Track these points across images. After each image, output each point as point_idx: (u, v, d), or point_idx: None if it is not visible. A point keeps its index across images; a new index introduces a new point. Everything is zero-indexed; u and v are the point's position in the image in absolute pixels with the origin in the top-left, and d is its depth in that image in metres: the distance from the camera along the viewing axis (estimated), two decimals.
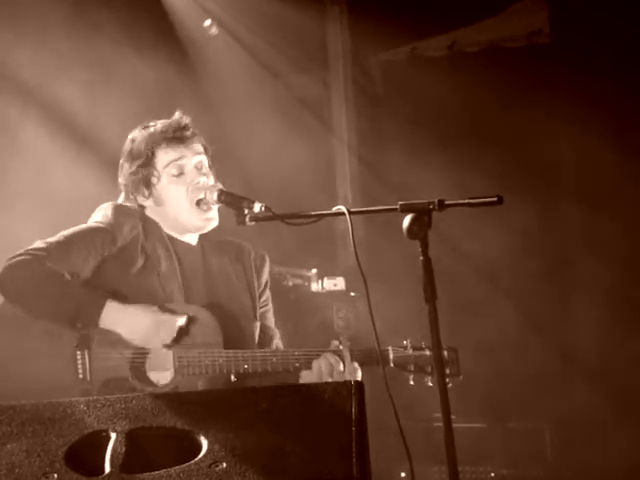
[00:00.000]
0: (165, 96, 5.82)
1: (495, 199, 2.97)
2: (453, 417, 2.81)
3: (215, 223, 3.78)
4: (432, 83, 6.81)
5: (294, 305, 6.07)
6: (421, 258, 2.87)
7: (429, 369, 3.71)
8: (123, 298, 3.58)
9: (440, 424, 2.79)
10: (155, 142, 3.76)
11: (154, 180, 3.76)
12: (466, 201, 3.00)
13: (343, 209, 3.28)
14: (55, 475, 2.51)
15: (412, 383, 3.72)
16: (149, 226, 3.75)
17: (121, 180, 3.83)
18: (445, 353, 3.65)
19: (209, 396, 2.86)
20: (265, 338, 3.90)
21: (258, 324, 3.87)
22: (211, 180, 3.79)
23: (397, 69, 7.23)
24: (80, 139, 5.99)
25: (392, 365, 3.72)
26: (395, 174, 6.91)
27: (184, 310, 3.63)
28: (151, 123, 3.83)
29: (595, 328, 6.35)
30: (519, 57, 6.83)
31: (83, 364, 3.54)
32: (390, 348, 3.74)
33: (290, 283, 6.16)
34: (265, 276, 3.95)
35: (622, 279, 6.34)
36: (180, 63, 6.51)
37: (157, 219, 3.79)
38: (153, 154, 3.76)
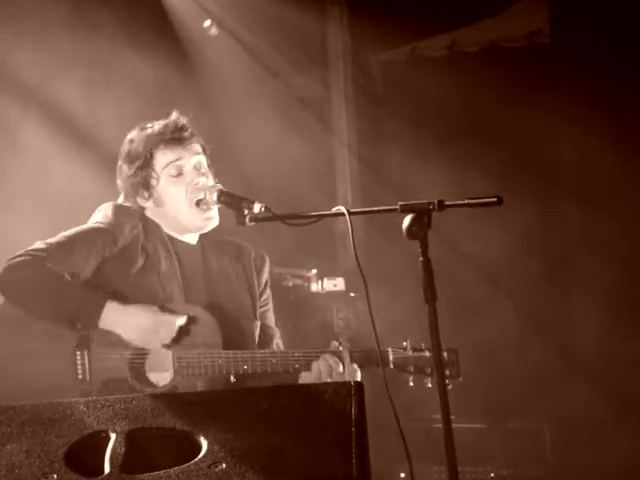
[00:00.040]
0: (165, 96, 5.82)
1: (495, 199, 2.97)
2: (453, 417, 2.81)
3: (215, 222, 3.78)
4: (432, 83, 6.81)
5: (294, 305, 6.06)
6: (421, 259, 2.87)
7: (429, 370, 3.71)
8: (123, 298, 3.58)
9: (440, 425, 2.79)
10: (153, 144, 3.76)
11: (153, 182, 3.76)
12: (466, 201, 3.00)
13: (343, 209, 3.28)
14: (55, 475, 2.51)
15: (412, 384, 3.72)
16: (149, 226, 3.76)
17: (120, 182, 3.83)
18: (445, 355, 3.65)
19: (209, 397, 2.86)
20: (265, 337, 3.90)
21: (258, 323, 3.87)
22: (210, 180, 3.79)
23: (397, 69, 7.23)
24: (80, 139, 5.99)
25: (392, 366, 3.72)
26: (395, 174, 6.91)
27: (184, 310, 3.63)
28: (148, 124, 3.82)
29: (595, 328, 6.34)
30: (519, 57, 6.83)
31: (83, 364, 3.54)
32: (390, 349, 3.74)
33: (290, 283, 6.16)
34: (265, 276, 3.95)
35: (622, 279, 6.34)
36: (180, 63, 6.51)
37: (157, 220, 3.79)
38: (151, 156, 3.75)
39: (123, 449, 2.55)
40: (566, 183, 6.67)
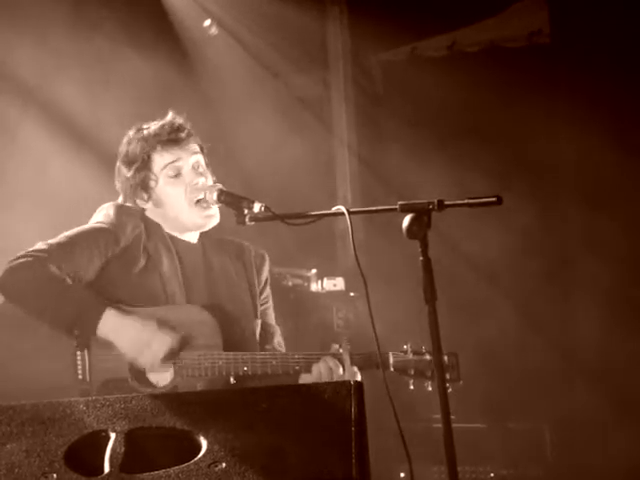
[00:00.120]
0: (165, 96, 5.82)
1: (494, 199, 2.96)
2: (453, 417, 2.81)
3: (216, 220, 3.78)
4: (432, 83, 6.81)
5: (294, 305, 6.06)
6: (421, 258, 2.87)
7: (429, 374, 3.70)
8: (125, 298, 3.59)
9: (440, 425, 2.79)
10: (150, 145, 3.75)
11: (152, 183, 3.76)
12: (465, 201, 3.00)
13: (343, 209, 3.28)
14: (54, 475, 2.51)
15: (412, 387, 3.72)
16: (151, 226, 3.75)
17: (118, 184, 3.83)
18: (445, 358, 3.63)
19: (209, 396, 2.86)
20: (266, 336, 3.90)
21: (259, 322, 3.87)
22: (209, 180, 3.79)
23: (397, 69, 7.24)
24: (80, 139, 5.99)
25: (392, 369, 3.71)
26: (395, 174, 6.91)
27: (185, 312, 3.64)
28: (144, 125, 3.82)
29: (595, 328, 6.34)
30: (519, 57, 6.83)
31: (83, 365, 3.54)
32: (390, 353, 3.73)
33: (290, 283, 6.16)
34: (265, 274, 3.95)
35: (622, 279, 6.34)
36: (180, 63, 6.52)
37: (158, 220, 3.78)
38: (149, 158, 3.75)
39: (123, 449, 2.55)
40: (566, 183, 6.67)
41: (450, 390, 3.32)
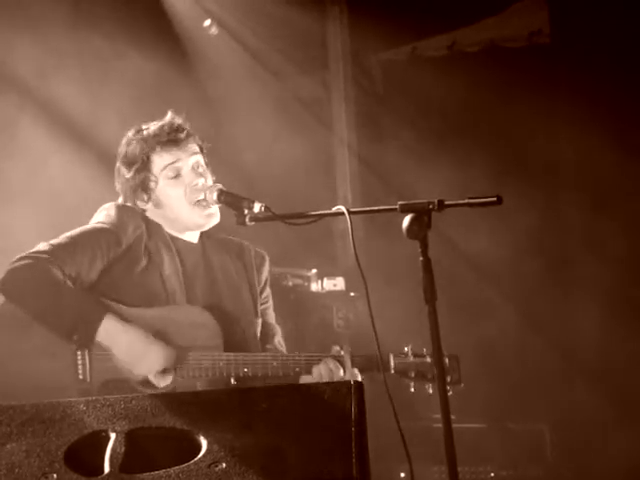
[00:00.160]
0: (165, 95, 5.82)
1: (494, 199, 2.97)
2: (453, 417, 2.81)
3: (217, 219, 3.78)
4: (432, 83, 6.81)
5: (294, 305, 6.06)
6: (421, 258, 2.87)
7: (430, 376, 3.70)
8: (126, 298, 3.59)
9: (440, 425, 2.79)
10: (149, 146, 3.74)
11: (152, 184, 3.75)
12: (465, 201, 3.00)
13: (343, 209, 3.28)
14: (54, 475, 2.51)
15: (413, 390, 3.72)
16: (152, 226, 3.75)
17: (118, 185, 3.82)
18: (446, 361, 3.63)
19: (209, 396, 2.86)
20: (267, 335, 3.90)
21: (259, 321, 3.87)
22: (209, 180, 3.78)
23: (397, 69, 7.23)
24: (80, 138, 5.99)
25: (393, 372, 3.71)
26: (395, 174, 6.91)
27: (186, 313, 3.64)
28: (144, 126, 3.81)
29: (595, 328, 6.34)
30: (519, 57, 6.83)
31: (83, 365, 3.54)
32: (391, 355, 3.73)
33: (290, 283, 6.16)
34: (265, 274, 3.95)
35: (622, 279, 6.34)
36: (180, 62, 6.51)
37: (158, 221, 3.78)
38: (148, 159, 3.74)
39: (123, 449, 2.55)
40: (566, 183, 6.67)
41: (451, 393, 3.32)
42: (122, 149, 3.81)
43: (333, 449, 2.48)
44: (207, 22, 6.85)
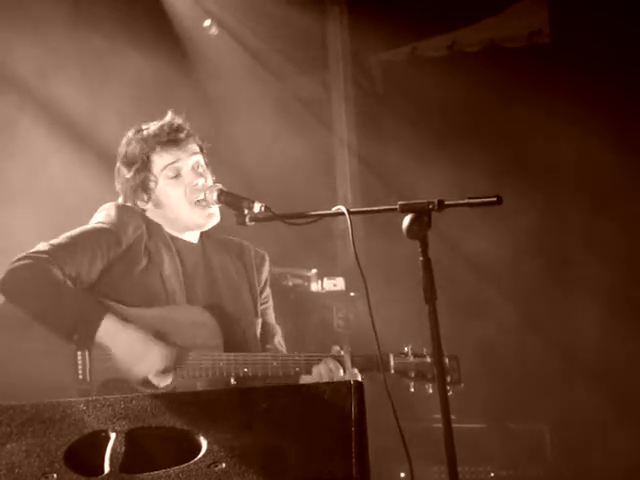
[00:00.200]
0: (165, 95, 5.82)
1: (494, 199, 2.97)
2: (453, 417, 2.81)
3: (217, 219, 3.78)
4: (432, 83, 6.81)
5: (294, 305, 6.06)
6: (421, 258, 2.87)
7: (430, 376, 3.70)
8: (126, 298, 3.59)
9: (440, 425, 2.79)
10: (149, 146, 3.74)
11: (152, 184, 3.76)
12: (465, 201, 3.00)
13: (343, 209, 3.28)
14: (55, 475, 2.51)
15: (413, 390, 3.72)
16: (152, 226, 3.75)
17: (118, 185, 3.83)
18: (446, 361, 3.63)
19: (209, 396, 2.86)
20: (267, 335, 3.90)
21: (259, 321, 3.87)
22: (209, 180, 3.78)
23: (397, 69, 7.24)
24: (80, 138, 5.99)
25: (393, 372, 3.71)
26: (395, 174, 6.91)
27: (186, 313, 3.64)
28: (144, 126, 3.81)
29: (595, 328, 6.34)
30: (519, 57, 6.83)
31: (83, 365, 3.54)
32: (391, 355, 3.73)
33: (290, 283, 6.15)
34: (265, 274, 3.96)
35: (622, 279, 6.35)
36: (180, 62, 6.51)
37: (158, 220, 3.78)
38: (148, 159, 3.74)
39: (123, 449, 2.55)
40: (566, 183, 6.67)
41: (450, 393, 3.32)
42: (122, 149, 3.81)
43: (333, 449, 2.48)
44: (207, 22, 6.86)
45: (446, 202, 2.96)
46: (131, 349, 3.51)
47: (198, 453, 2.51)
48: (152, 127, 3.79)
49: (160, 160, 3.75)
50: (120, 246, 3.66)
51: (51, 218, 5.19)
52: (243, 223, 3.54)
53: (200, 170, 3.78)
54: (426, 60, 7.10)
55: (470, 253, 6.70)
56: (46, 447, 2.57)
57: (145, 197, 3.77)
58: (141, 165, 3.74)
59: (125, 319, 3.54)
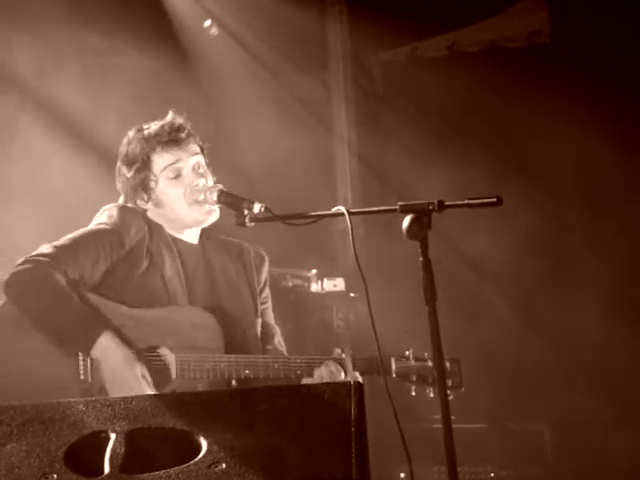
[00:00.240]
0: (165, 95, 5.82)
1: (494, 200, 2.97)
2: (453, 418, 2.81)
3: (216, 216, 3.77)
4: (432, 83, 6.81)
5: (294, 306, 6.06)
6: (421, 259, 2.87)
7: (431, 380, 3.70)
8: (127, 300, 3.59)
9: (440, 425, 2.79)
10: (150, 146, 3.74)
11: (152, 184, 3.75)
12: (465, 202, 3.00)
13: (342, 210, 3.28)
14: (54, 475, 2.50)
15: (414, 394, 3.72)
16: (153, 227, 3.75)
17: (119, 184, 3.83)
18: (447, 364, 3.63)
19: (209, 397, 2.85)
20: (267, 336, 3.90)
21: (259, 321, 3.87)
22: (210, 181, 3.78)
23: (397, 69, 7.23)
24: (80, 138, 5.99)
25: (394, 375, 3.71)
26: (395, 174, 6.91)
27: (187, 314, 3.64)
28: (145, 126, 3.81)
29: (595, 328, 6.34)
30: (519, 57, 6.83)
31: (85, 365, 3.54)
32: (393, 358, 3.73)
33: (290, 284, 6.15)
34: (264, 274, 3.95)
35: (622, 279, 6.35)
36: (180, 62, 6.51)
37: (159, 221, 3.78)
38: (149, 158, 3.74)
39: (123, 449, 2.55)
40: (566, 183, 6.67)
41: (451, 397, 3.32)
42: (123, 148, 3.81)
43: (333, 449, 2.48)
44: (207, 22, 6.86)
45: (446, 203, 2.96)
46: (114, 374, 3.49)
47: (198, 453, 2.51)
48: (153, 127, 3.79)
49: (161, 160, 3.75)
50: (123, 247, 3.65)
51: (51, 218, 5.19)
52: (243, 224, 3.54)
53: (201, 171, 3.77)
54: (426, 60, 7.10)
55: (470, 253, 6.70)
56: (46, 447, 2.57)
57: (145, 197, 3.77)
58: (141, 165, 3.74)
59: (122, 336, 3.53)
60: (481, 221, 6.19)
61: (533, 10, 6.90)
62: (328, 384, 3.04)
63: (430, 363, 3.71)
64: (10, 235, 5.16)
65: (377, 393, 3.21)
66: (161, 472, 2.48)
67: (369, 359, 3.66)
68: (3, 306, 3.58)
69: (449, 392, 2.92)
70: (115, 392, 3.48)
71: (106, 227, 3.68)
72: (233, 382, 3.61)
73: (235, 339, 3.69)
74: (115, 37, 6.04)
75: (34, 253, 3.57)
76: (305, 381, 3.66)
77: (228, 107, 6.87)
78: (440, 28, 7.00)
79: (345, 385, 2.60)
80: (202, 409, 2.64)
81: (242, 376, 3.60)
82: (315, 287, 6.22)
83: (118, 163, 3.82)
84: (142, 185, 3.75)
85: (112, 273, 3.64)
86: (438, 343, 2.84)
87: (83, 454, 2.56)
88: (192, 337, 3.60)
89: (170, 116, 3.82)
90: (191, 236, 3.83)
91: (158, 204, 3.77)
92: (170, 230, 3.78)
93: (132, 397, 2.71)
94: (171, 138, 3.75)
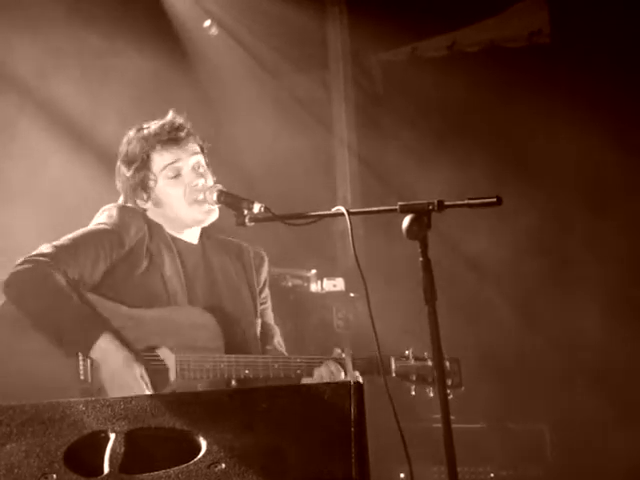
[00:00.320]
0: (165, 95, 5.82)
1: (494, 200, 2.97)
2: (453, 417, 2.81)
3: (215, 215, 3.77)
4: (432, 83, 6.81)
5: (293, 306, 6.06)
6: (421, 259, 2.87)
7: (431, 379, 3.70)
8: (127, 299, 3.59)
9: (439, 425, 2.79)
10: (150, 145, 3.74)
11: (151, 183, 3.75)
12: (465, 202, 3.00)
13: (342, 210, 3.27)
14: (54, 475, 2.50)
15: (414, 394, 3.72)
16: (153, 227, 3.75)
17: (119, 184, 3.83)
18: (447, 364, 3.64)
19: (208, 397, 2.85)
20: (266, 336, 3.90)
21: (259, 321, 3.87)
22: (209, 180, 3.78)
23: (397, 69, 7.24)
24: (79, 138, 5.99)
25: (394, 375, 3.71)
26: (395, 174, 6.91)
27: (187, 314, 3.64)
28: (144, 125, 3.81)
29: (595, 328, 6.34)
30: (519, 57, 6.84)
31: (85, 365, 3.54)
32: (392, 358, 3.73)
33: (289, 284, 6.15)
34: (264, 274, 3.95)
35: (622, 279, 6.35)
36: (180, 62, 6.52)
37: (159, 220, 3.78)
38: (148, 157, 3.74)
39: (122, 449, 2.55)
40: (566, 183, 6.67)
41: (451, 397, 3.32)
42: (123, 148, 3.81)
43: (333, 449, 2.48)
44: (207, 23, 6.86)
45: (446, 203, 2.96)
46: (113, 376, 3.49)
47: (198, 453, 2.51)
48: (153, 126, 3.79)
49: (160, 159, 3.75)
50: (123, 247, 3.65)
51: (51, 218, 5.19)
52: (243, 224, 3.54)
53: (201, 170, 3.77)
54: (426, 60, 7.10)
55: (470, 253, 6.70)
56: (46, 447, 2.56)
57: (145, 196, 3.77)
58: (141, 164, 3.74)
59: (121, 338, 3.53)
60: (481, 221, 6.19)
61: (533, 10, 6.90)
62: (328, 384, 3.03)
63: (430, 362, 3.71)
64: (10, 235, 5.16)
65: (377, 393, 3.21)
66: (161, 472, 2.48)
67: (369, 359, 3.66)
68: (3, 306, 3.58)
69: (449, 391, 2.92)
70: (115, 393, 3.47)
71: (106, 227, 3.67)
72: (233, 382, 3.60)
73: (235, 339, 3.69)
74: (115, 38, 6.04)
75: (34, 253, 3.57)
76: (305, 381, 3.66)
77: (228, 107, 6.87)
78: (440, 28, 7.00)
79: (345, 385, 2.60)
80: (202, 409, 2.64)
81: (242, 376, 3.60)
82: (315, 287, 6.22)
83: (118, 163, 3.82)
84: (141, 184, 3.75)
85: (112, 273, 3.64)
86: (438, 343, 2.84)
87: (83, 454, 2.56)
88: (192, 337, 3.60)
89: (170, 115, 3.82)
90: (191, 236, 3.83)
91: (158, 203, 3.76)
92: (170, 230, 3.78)
93: (132, 397, 2.71)
94: (171, 137, 3.75)
